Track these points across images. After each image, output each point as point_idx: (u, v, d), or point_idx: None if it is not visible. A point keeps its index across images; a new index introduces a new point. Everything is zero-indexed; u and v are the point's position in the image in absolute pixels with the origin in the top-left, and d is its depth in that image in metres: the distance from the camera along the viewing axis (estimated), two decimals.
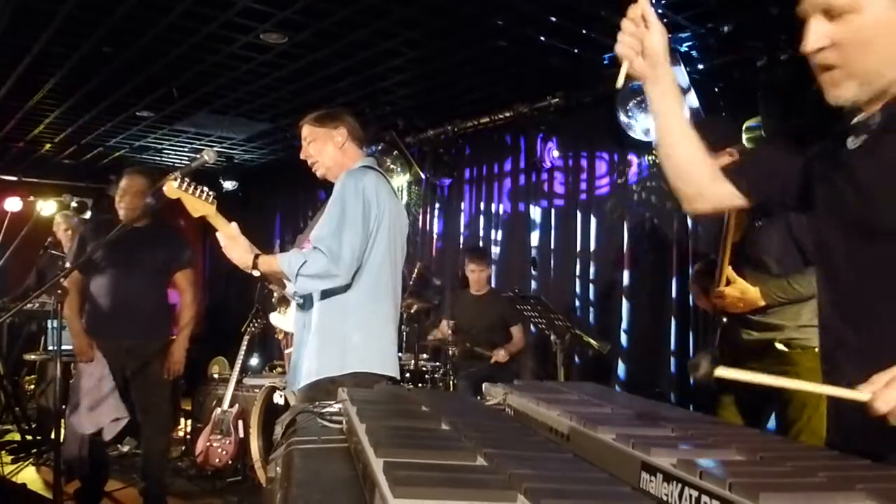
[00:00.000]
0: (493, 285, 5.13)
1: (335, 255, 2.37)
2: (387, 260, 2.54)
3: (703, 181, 1.41)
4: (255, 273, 2.46)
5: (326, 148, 2.63)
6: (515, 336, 4.77)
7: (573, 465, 0.96)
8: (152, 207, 3.21)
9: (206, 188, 2.48)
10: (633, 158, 4.88)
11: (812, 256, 1.37)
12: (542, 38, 4.12)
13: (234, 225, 2.48)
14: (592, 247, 5.14)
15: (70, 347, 3.70)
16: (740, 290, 2.52)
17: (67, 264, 3.77)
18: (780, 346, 2.50)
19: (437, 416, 1.25)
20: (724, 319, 2.63)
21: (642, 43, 1.30)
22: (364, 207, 2.43)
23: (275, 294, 4.97)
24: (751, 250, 2.59)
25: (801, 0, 1.14)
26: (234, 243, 2.45)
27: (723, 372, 1.00)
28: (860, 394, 0.99)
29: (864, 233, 1.16)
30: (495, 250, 5.94)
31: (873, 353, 1.08)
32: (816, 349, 2.35)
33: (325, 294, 2.48)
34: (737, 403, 2.60)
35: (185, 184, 2.46)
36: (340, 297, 2.47)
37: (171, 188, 2.46)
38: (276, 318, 3.87)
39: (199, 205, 2.47)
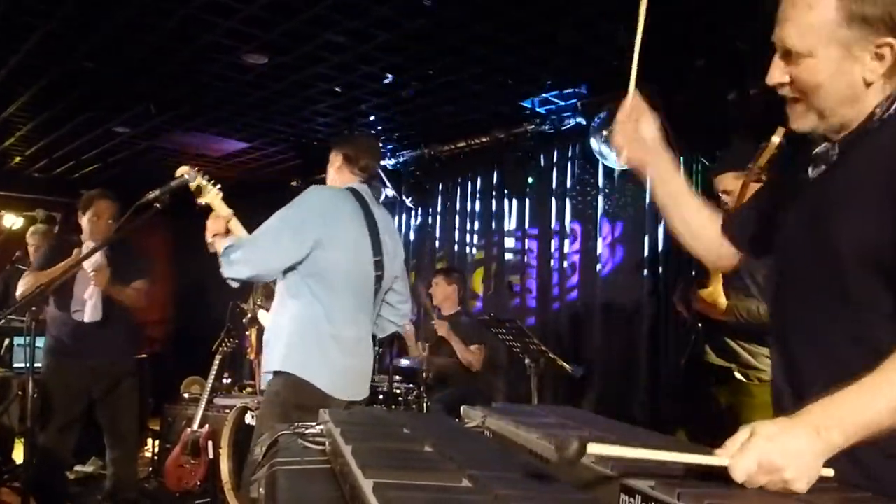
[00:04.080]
0: (460, 306, 5.15)
1: (251, 247, 2.48)
2: (345, 279, 2.54)
3: (718, 244, 1.51)
4: (211, 249, 2.60)
5: (329, 171, 2.81)
6: (472, 349, 4.74)
7: (556, 487, 0.99)
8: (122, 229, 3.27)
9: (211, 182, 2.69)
10: (605, 225, 4.95)
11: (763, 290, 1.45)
12: (521, 66, 4.21)
13: (230, 212, 2.65)
14: (568, 272, 5.21)
15: (40, 365, 3.65)
16: (712, 294, 2.55)
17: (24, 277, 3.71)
18: (738, 375, 2.55)
19: (420, 438, 1.27)
20: (699, 325, 2.67)
21: (636, 132, 1.42)
22: (301, 217, 2.51)
23: (247, 313, 4.98)
24: (741, 266, 2.65)
25: (775, 32, 1.22)
26: (217, 219, 2.61)
27: (594, 448, 0.91)
28: (721, 459, 0.94)
29: (819, 261, 1.21)
30: (470, 271, 5.98)
31: (819, 383, 1.10)
32: None
33: (284, 298, 2.57)
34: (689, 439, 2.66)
35: (197, 171, 2.65)
36: (292, 305, 2.55)
37: (185, 170, 2.62)
38: (263, 316, 3.99)
39: (204, 190, 2.66)
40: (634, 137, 1.42)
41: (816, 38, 1.14)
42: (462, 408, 1.70)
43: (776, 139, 2.20)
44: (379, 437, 1.30)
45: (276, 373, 2.50)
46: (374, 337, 2.87)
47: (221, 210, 2.65)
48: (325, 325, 2.51)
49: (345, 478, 1.04)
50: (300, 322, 2.51)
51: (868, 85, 1.15)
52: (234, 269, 2.49)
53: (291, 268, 2.52)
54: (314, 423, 1.52)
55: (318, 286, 2.51)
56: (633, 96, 1.42)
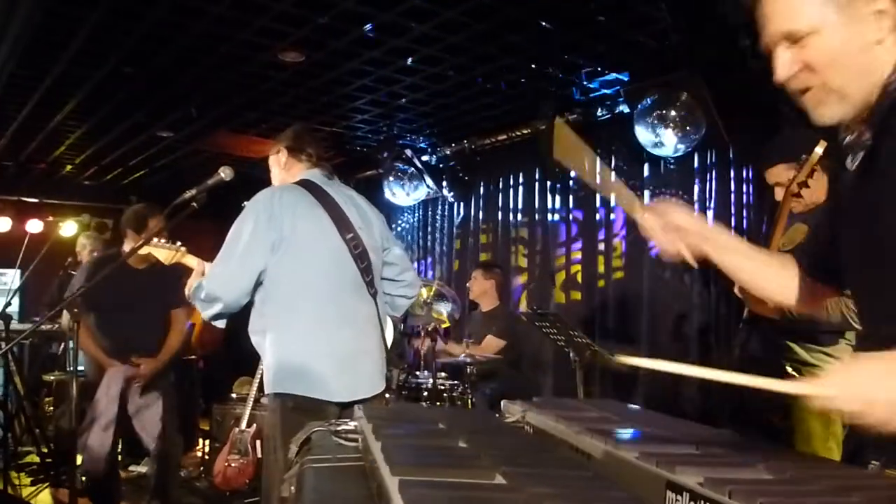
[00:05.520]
0: (500, 301, 5.08)
1: (210, 282, 2.39)
2: (311, 275, 2.43)
3: (806, 292, 1.42)
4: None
5: (274, 172, 2.70)
6: (484, 341, 4.67)
7: (594, 484, 0.93)
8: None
9: (171, 242, 2.75)
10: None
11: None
12: (560, 54, 4.12)
13: (198, 260, 2.61)
14: (614, 263, 5.09)
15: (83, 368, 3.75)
16: None
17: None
18: (790, 370, 2.44)
19: (455, 433, 1.22)
20: (745, 317, 2.57)
21: (671, 227, 1.33)
22: (247, 230, 2.39)
23: None
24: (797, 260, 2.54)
25: (763, 34, 1.16)
26: (194, 276, 2.55)
27: (623, 359, 1.03)
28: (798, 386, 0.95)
29: (875, 253, 1.13)
30: (514, 267, 5.91)
31: None
32: None
33: (258, 315, 2.47)
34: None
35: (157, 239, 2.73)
36: (259, 320, 2.46)
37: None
38: None
39: (170, 254, 2.71)
40: (671, 231, 1.33)
41: (815, 9, 1.09)
42: (502, 402, 1.65)
43: (819, 150, 2.10)
44: (412, 432, 1.26)
45: (273, 394, 2.43)
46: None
47: (192, 264, 2.63)
48: (296, 337, 2.40)
49: (373, 475, 1.00)
50: (274, 339, 2.42)
51: (879, 42, 1.09)
52: (207, 311, 2.40)
53: (257, 283, 2.42)
54: (348, 420, 1.48)
55: (279, 294, 2.41)
56: (641, 211, 1.36)
